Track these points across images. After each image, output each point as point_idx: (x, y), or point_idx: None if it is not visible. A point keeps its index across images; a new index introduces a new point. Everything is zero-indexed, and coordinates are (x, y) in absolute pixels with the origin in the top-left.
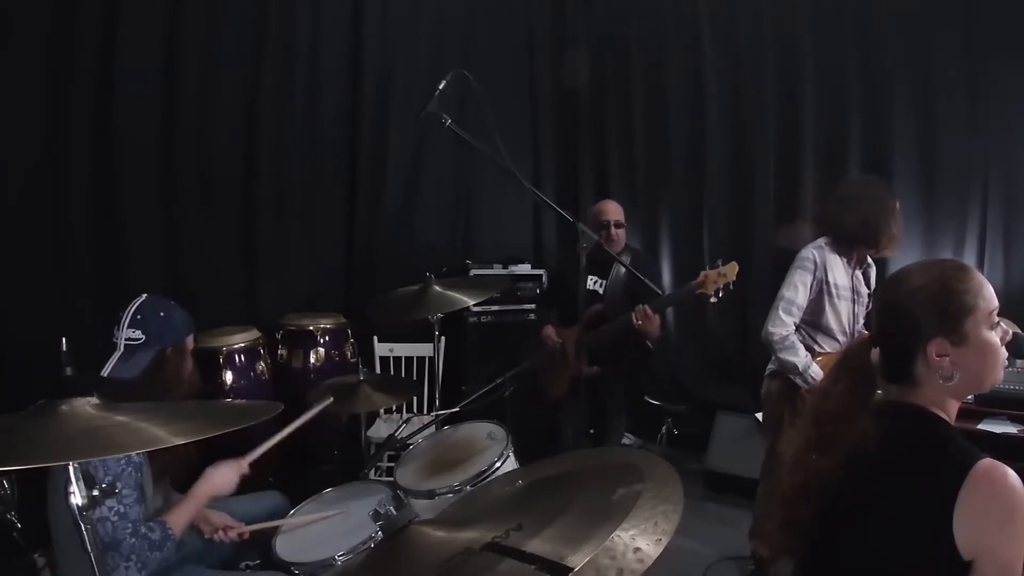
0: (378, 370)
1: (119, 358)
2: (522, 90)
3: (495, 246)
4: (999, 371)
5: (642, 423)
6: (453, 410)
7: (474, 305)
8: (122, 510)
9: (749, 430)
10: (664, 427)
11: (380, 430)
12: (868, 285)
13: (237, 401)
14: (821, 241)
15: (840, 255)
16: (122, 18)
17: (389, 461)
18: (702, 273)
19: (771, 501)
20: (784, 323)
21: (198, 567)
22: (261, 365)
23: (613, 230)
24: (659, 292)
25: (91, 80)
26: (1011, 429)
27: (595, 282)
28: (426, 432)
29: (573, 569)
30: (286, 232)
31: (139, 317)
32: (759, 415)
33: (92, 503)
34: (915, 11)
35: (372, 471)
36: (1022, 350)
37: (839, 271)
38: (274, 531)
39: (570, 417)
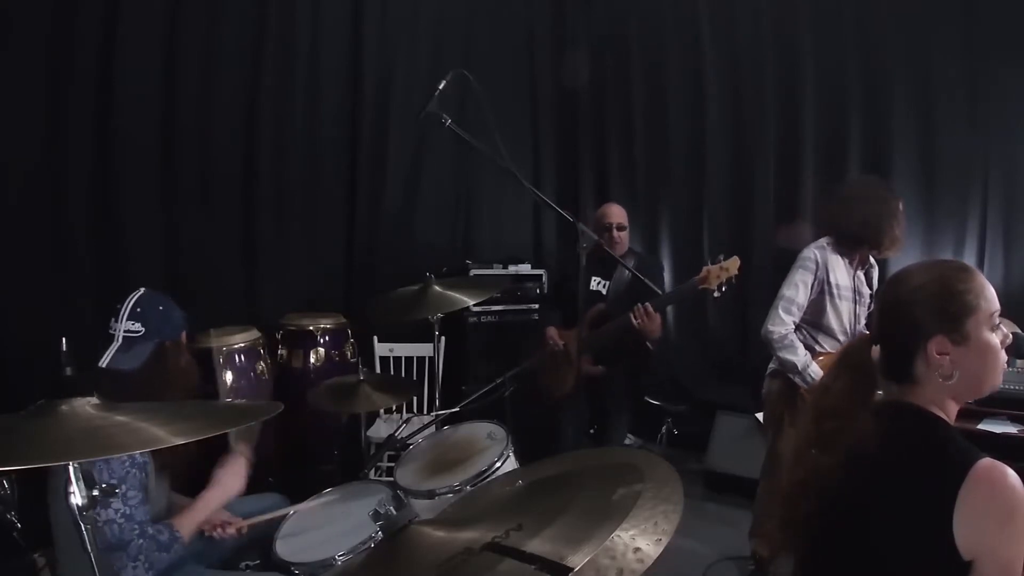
0: (378, 370)
1: (118, 349)
2: (522, 90)
3: (495, 246)
4: (998, 374)
5: (642, 423)
6: (453, 410)
7: (474, 305)
8: (128, 511)
9: (749, 430)
10: (664, 427)
11: (380, 430)
12: (870, 285)
13: (237, 401)
14: (823, 241)
15: (842, 255)
16: (122, 18)
17: (389, 461)
18: (705, 268)
19: (771, 500)
20: (783, 322)
21: (198, 567)
22: (261, 365)
23: (615, 233)
24: (661, 294)
25: (91, 80)
26: (1011, 429)
27: (599, 283)
28: (426, 432)
29: (573, 569)
30: (286, 232)
31: (139, 310)
32: (759, 415)
33: (92, 503)
34: (915, 11)
35: (372, 471)
36: (1022, 350)
37: (840, 271)
38: (274, 532)
39: (571, 417)
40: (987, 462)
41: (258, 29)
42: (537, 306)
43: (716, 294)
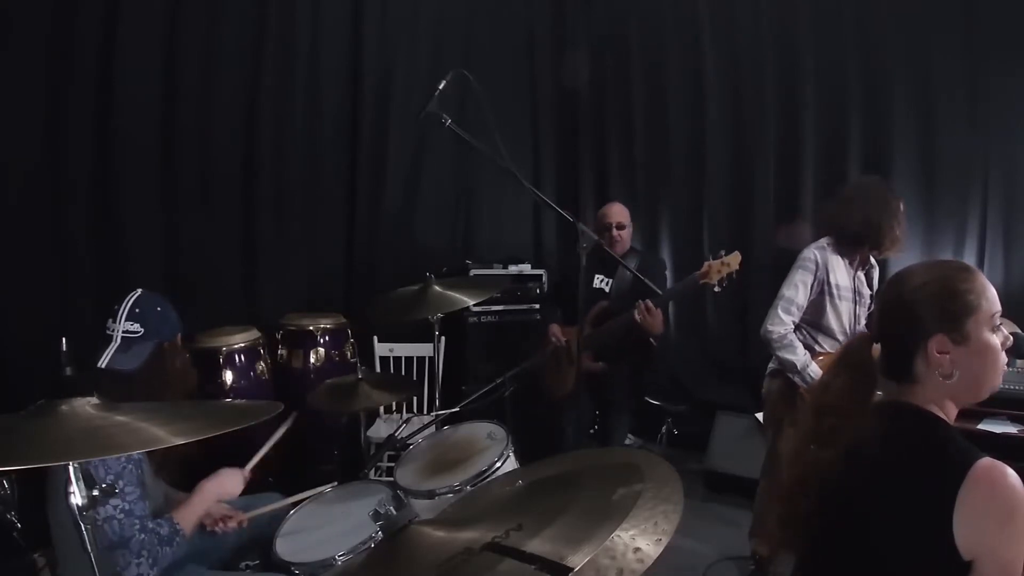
0: (378, 370)
1: (116, 349)
2: (522, 90)
3: (495, 246)
4: (998, 375)
5: (642, 423)
6: (453, 410)
7: (474, 305)
8: (127, 507)
9: (749, 430)
10: (664, 427)
11: (380, 430)
12: (870, 286)
13: (237, 401)
14: (823, 241)
15: (842, 256)
16: (122, 18)
17: (389, 461)
18: (706, 263)
19: (771, 499)
20: (783, 321)
21: (199, 567)
22: (261, 365)
23: (615, 232)
24: (660, 294)
25: (91, 80)
26: (1011, 429)
27: (601, 280)
28: (426, 432)
29: (573, 569)
30: (286, 232)
31: (137, 311)
32: (759, 415)
33: (92, 503)
34: (915, 11)
35: (372, 471)
36: (1022, 351)
37: (841, 272)
38: (274, 531)
39: (572, 416)
40: (987, 462)
41: (258, 29)
42: (538, 306)
43: (717, 289)
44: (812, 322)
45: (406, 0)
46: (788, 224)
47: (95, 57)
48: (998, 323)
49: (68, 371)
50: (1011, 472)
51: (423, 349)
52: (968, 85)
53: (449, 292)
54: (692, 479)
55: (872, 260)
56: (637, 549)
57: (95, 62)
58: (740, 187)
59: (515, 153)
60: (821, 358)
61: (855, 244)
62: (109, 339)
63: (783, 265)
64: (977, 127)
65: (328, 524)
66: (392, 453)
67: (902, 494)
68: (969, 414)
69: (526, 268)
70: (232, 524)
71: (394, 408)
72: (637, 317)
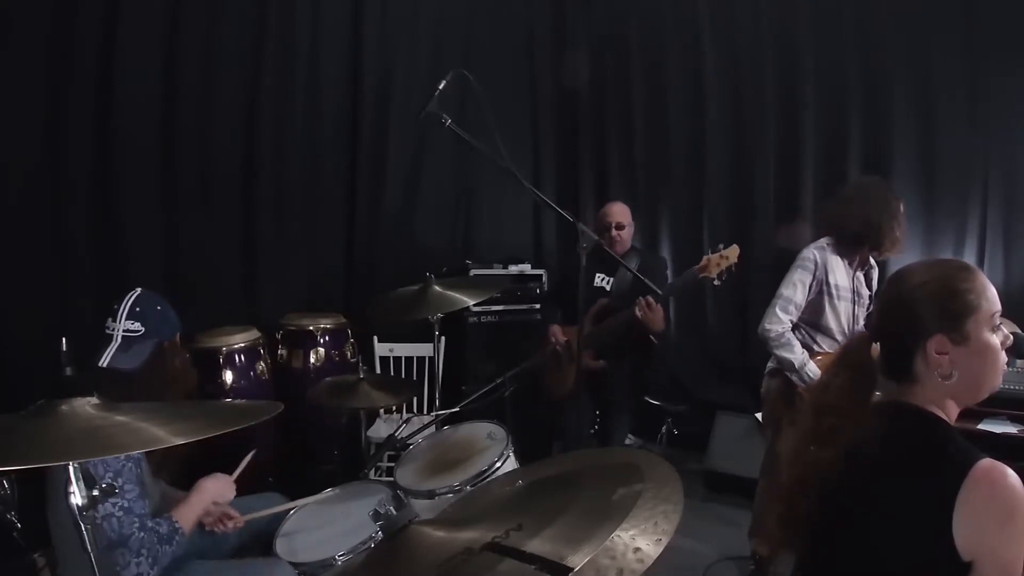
0: (378, 370)
1: (117, 349)
2: (522, 90)
3: (495, 246)
4: (998, 375)
5: (642, 423)
6: (453, 410)
7: (474, 305)
8: (126, 505)
9: (749, 430)
10: (664, 427)
11: (380, 430)
12: (869, 287)
13: (237, 401)
14: (823, 242)
15: (842, 256)
16: (122, 18)
17: (389, 461)
18: (705, 257)
19: (771, 499)
20: (780, 320)
21: (202, 561)
22: (261, 365)
23: (615, 232)
24: (660, 293)
25: (91, 80)
26: (1011, 429)
27: (602, 279)
28: (426, 432)
29: (573, 569)
30: (286, 232)
31: (138, 310)
32: (759, 415)
33: (92, 503)
34: (915, 11)
35: (372, 471)
36: (1022, 351)
37: (840, 272)
38: (275, 531)
39: (574, 416)
40: (987, 462)
41: (258, 29)
42: (538, 306)
43: (716, 282)
44: (811, 322)
45: (406, 0)
46: (788, 224)
47: (95, 57)
48: (998, 323)
49: (68, 371)
50: (1011, 473)
51: (423, 349)
52: (968, 85)
53: (449, 292)
54: (692, 479)
55: (871, 261)
56: (637, 549)
57: (95, 62)
58: (740, 187)
59: (515, 153)
60: (820, 358)
61: (855, 244)
62: (109, 338)
63: (783, 265)
64: (977, 127)
65: (328, 524)
66: (392, 453)
67: (902, 494)
68: (969, 414)
69: (526, 268)
70: (231, 525)
71: (394, 408)
72: (638, 313)
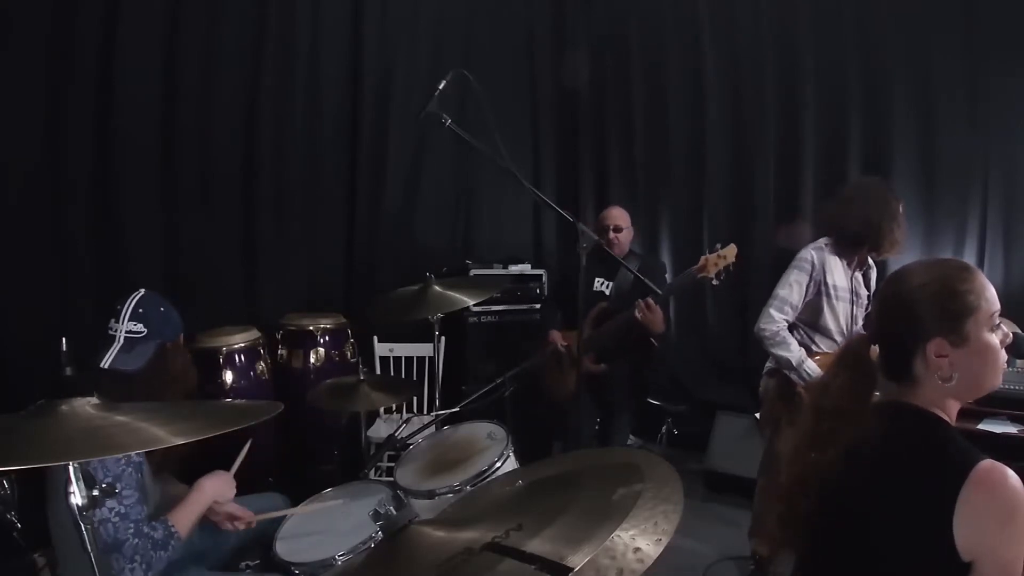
0: (378, 370)
1: (120, 350)
2: (522, 90)
3: (495, 246)
4: (998, 374)
5: (643, 423)
6: (453, 410)
7: (474, 305)
8: (123, 511)
9: (749, 430)
10: (664, 427)
11: (380, 430)
12: (868, 287)
13: (237, 401)
14: (821, 242)
15: (840, 256)
16: (122, 18)
17: (389, 461)
18: (702, 258)
19: (770, 498)
20: (774, 319)
21: (198, 568)
22: (261, 365)
23: (612, 234)
24: (660, 293)
25: (91, 80)
26: (1011, 429)
27: (601, 283)
28: (426, 432)
29: (573, 569)
30: (286, 232)
31: (140, 311)
32: (759, 414)
33: (92, 503)
34: (915, 11)
35: (372, 471)
36: (1022, 350)
37: (838, 272)
38: (274, 532)
39: (574, 416)
40: (987, 463)
41: (258, 29)
42: (538, 306)
43: (715, 282)
44: (809, 322)
45: (406, 0)
46: (788, 224)
47: (95, 57)
48: (997, 322)
49: (68, 371)
50: (1011, 473)
51: (423, 349)
52: (968, 85)
53: (449, 292)
54: (692, 479)
55: (870, 261)
56: (637, 549)
57: (95, 62)
58: (740, 187)
59: (515, 153)
60: (818, 358)
61: (854, 245)
62: (111, 339)
63: (783, 265)
64: (977, 127)
65: (328, 524)
66: (392, 453)
67: (902, 494)
68: (969, 414)
69: (526, 268)
70: (241, 525)
71: (394, 408)
72: (638, 315)
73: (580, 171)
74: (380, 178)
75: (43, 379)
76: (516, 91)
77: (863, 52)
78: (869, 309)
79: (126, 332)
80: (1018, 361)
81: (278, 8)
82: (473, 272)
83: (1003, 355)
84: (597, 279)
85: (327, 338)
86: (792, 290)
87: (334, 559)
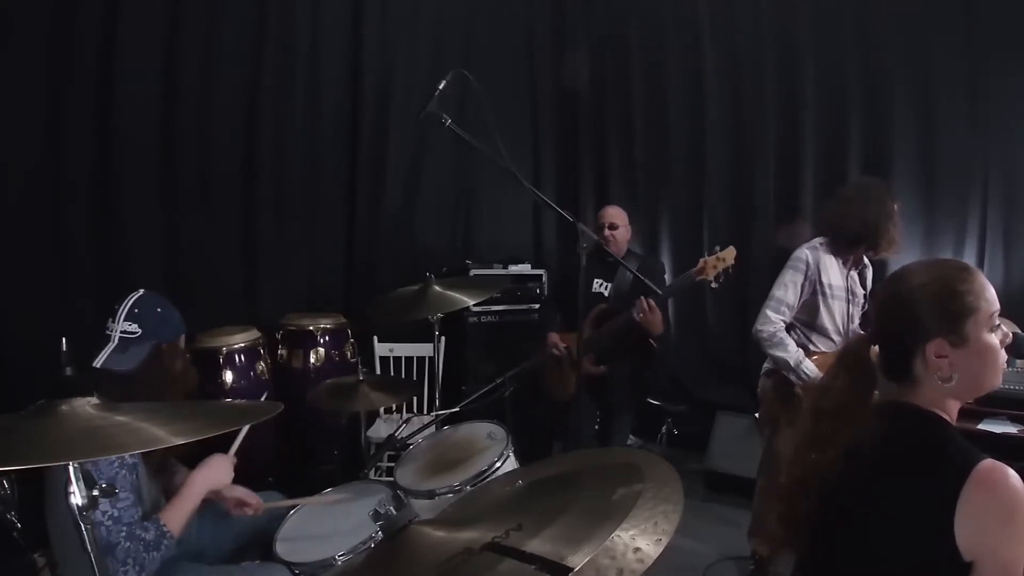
0: (378, 370)
1: (113, 350)
2: (522, 90)
3: (495, 246)
4: (998, 374)
5: (642, 423)
6: (453, 410)
7: (474, 305)
8: (116, 514)
9: (749, 430)
10: (664, 427)
11: (380, 430)
12: (864, 286)
13: (237, 401)
14: (816, 241)
15: (836, 255)
16: (122, 18)
17: (389, 461)
18: (701, 260)
19: (769, 498)
20: (771, 320)
21: (196, 565)
22: (261, 365)
23: (607, 232)
24: (660, 293)
25: (91, 80)
26: (1011, 429)
27: (600, 284)
28: (426, 432)
29: (573, 569)
30: (286, 232)
31: (136, 311)
32: (759, 414)
33: (92, 503)
34: (915, 11)
35: (372, 471)
36: (1022, 350)
37: (833, 272)
38: (274, 532)
39: (574, 416)
40: (988, 463)
41: (258, 29)
42: (537, 306)
43: (714, 285)
44: (806, 322)
45: (406, 0)
46: (788, 224)
47: (95, 57)
48: (997, 323)
49: (68, 371)
50: (1012, 473)
51: (423, 349)
52: (968, 85)
53: (449, 292)
54: (692, 479)
55: (865, 260)
56: (637, 549)
57: (95, 62)
58: (740, 187)
59: (515, 153)
60: (816, 358)
61: (851, 244)
62: (108, 339)
63: (782, 265)
64: (977, 127)
65: (328, 524)
66: (392, 453)
67: (902, 494)
68: (969, 414)
69: (526, 268)
70: (249, 511)
71: (394, 408)
72: (637, 316)
73: (580, 171)
74: (380, 178)
75: (43, 379)
76: (516, 91)
77: (863, 52)
78: (866, 308)
79: (121, 332)
80: (1018, 361)
81: (278, 8)
82: (473, 272)
83: (1003, 355)
84: (596, 280)
85: (327, 338)
86: (788, 290)
87: (334, 559)
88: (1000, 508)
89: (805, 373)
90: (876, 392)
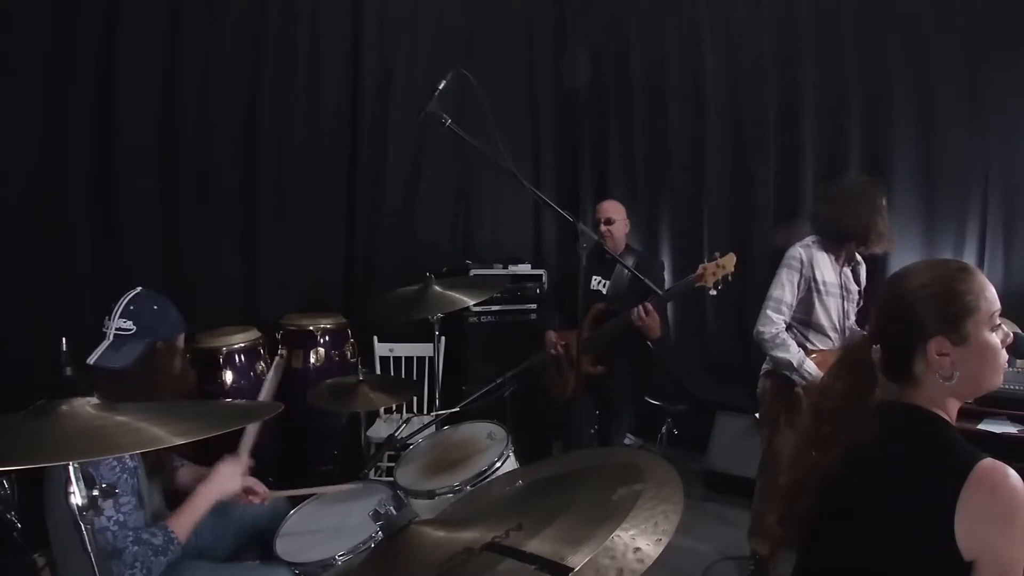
0: (378, 370)
1: (108, 347)
2: (522, 90)
3: (495, 246)
4: (999, 374)
5: (642, 423)
6: (453, 410)
7: (474, 305)
8: (121, 519)
9: (749, 430)
10: (664, 427)
11: (380, 430)
12: (857, 282)
13: (237, 401)
14: (808, 239)
15: (828, 252)
16: (122, 18)
17: (389, 461)
18: (700, 266)
19: (769, 498)
20: (773, 321)
21: (199, 562)
22: (261, 365)
23: (603, 227)
24: (660, 293)
25: (91, 80)
26: (1011, 429)
27: (599, 282)
28: (426, 432)
29: (573, 569)
30: (286, 232)
31: (132, 308)
32: (758, 414)
33: (92, 503)
34: (915, 11)
35: (372, 471)
36: (1022, 350)
37: (827, 268)
38: (274, 532)
39: (574, 416)
40: (989, 463)
41: (258, 29)
42: (536, 306)
43: (713, 292)
44: (802, 320)
45: (406, 0)
46: (788, 224)
47: (95, 57)
48: (997, 322)
49: (68, 371)
50: (1012, 473)
51: (423, 349)
52: (968, 85)
53: (449, 292)
54: (692, 479)
55: (858, 256)
56: (637, 549)
57: (95, 62)
58: (740, 187)
59: (515, 153)
60: (814, 355)
61: (840, 240)
62: (104, 336)
63: None
64: (977, 127)
65: (328, 524)
66: (392, 453)
67: (903, 494)
68: (969, 414)
69: (526, 268)
70: (257, 499)
71: (394, 408)
72: (635, 320)
73: (580, 171)
74: (380, 178)
75: (43, 379)
76: (516, 91)
77: (863, 52)
78: (861, 304)
79: (116, 329)
80: (1018, 361)
81: (278, 8)
82: (473, 272)
83: (1004, 355)
84: (594, 277)
85: (327, 338)
86: (785, 289)
87: (334, 559)
88: (1000, 508)
89: (807, 373)
90: (877, 392)
